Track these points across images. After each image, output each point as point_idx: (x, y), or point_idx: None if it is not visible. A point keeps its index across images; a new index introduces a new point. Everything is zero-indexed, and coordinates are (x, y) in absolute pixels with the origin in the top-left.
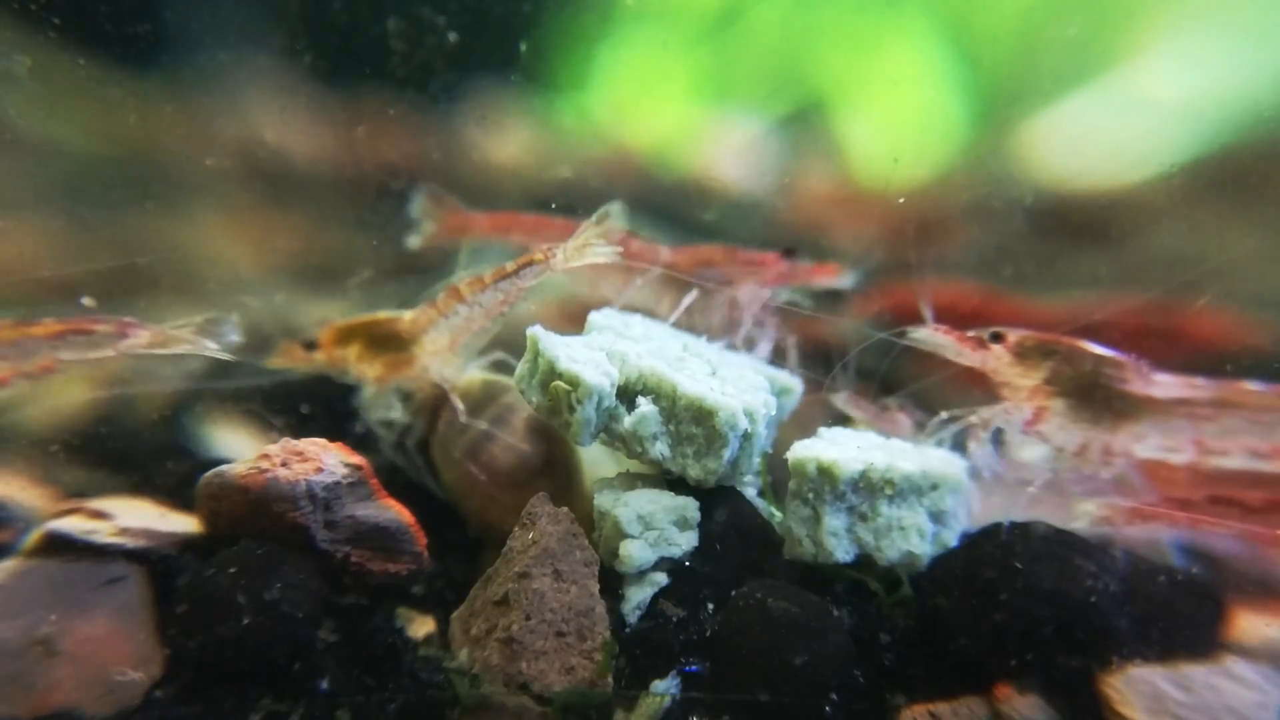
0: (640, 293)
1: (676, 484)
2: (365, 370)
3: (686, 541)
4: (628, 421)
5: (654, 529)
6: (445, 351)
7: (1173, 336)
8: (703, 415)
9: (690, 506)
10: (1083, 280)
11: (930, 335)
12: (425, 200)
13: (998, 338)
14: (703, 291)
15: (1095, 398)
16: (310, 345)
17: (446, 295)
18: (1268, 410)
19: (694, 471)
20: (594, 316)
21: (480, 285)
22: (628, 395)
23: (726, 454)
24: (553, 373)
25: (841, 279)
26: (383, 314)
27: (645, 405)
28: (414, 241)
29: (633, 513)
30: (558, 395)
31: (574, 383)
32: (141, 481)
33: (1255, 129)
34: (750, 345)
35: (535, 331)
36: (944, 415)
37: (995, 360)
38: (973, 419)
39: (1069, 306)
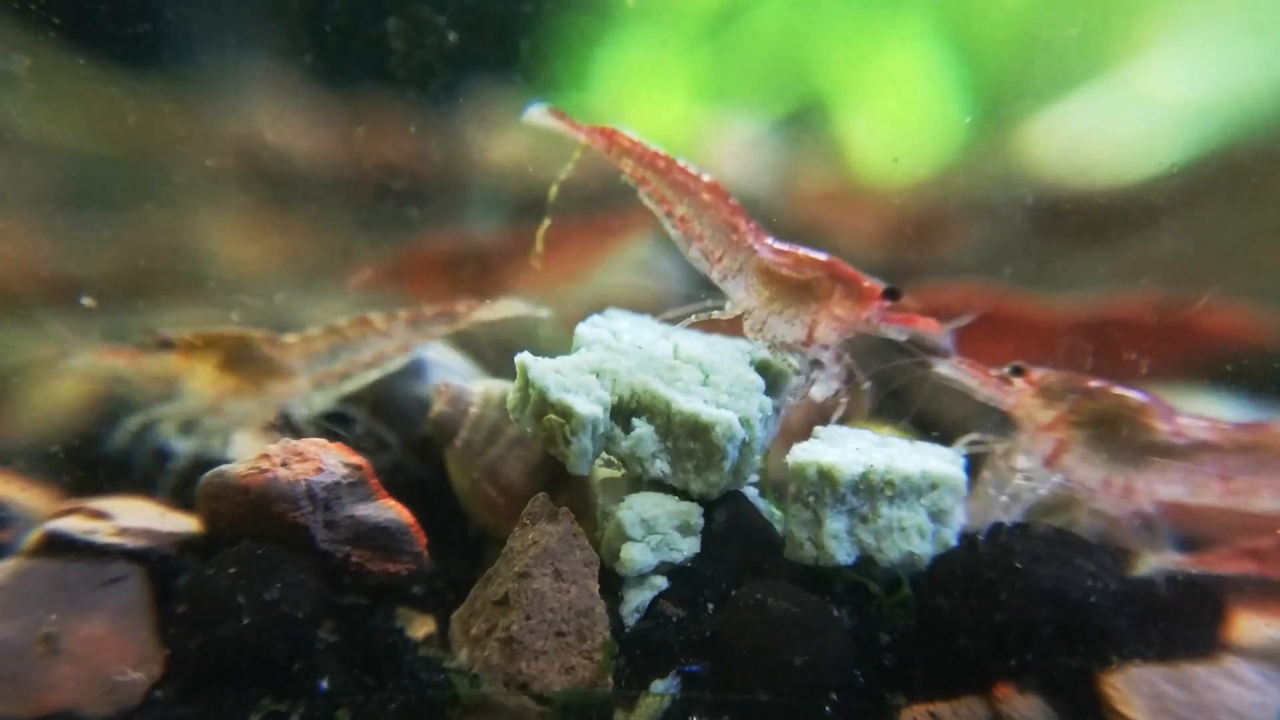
0: (730, 284)
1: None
2: (207, 385)
3: (688, 547)
4: (625, 444)
5: (656, 533)
6: (308, 386)
7: (1179, 333)
8: (699, 430)
9: (694, 512)
10: (1082, 280)
11: (954, 370)
12: (542, 110)
13: (1019, 372)
14: (783, 303)
15: (1117, 435)
16: (166, 344)
17: (355, 323)
18: None
19: (696, 486)
20: (582, 330)
21: (393, 320)
22: (622, 413)
23: (727, 465)
24: (545, 403)
25: (940, 335)
26: (258, 332)
27: (640, 426)
28: (528, 119)
29: (636, 515)
30: (552, 427)
31: (566, 415)
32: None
33: (1255, 129)
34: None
35: (524, 359)
36: (967, 439)
37: (1017, 395)
38: (993, 449)
39: (1075, 304)
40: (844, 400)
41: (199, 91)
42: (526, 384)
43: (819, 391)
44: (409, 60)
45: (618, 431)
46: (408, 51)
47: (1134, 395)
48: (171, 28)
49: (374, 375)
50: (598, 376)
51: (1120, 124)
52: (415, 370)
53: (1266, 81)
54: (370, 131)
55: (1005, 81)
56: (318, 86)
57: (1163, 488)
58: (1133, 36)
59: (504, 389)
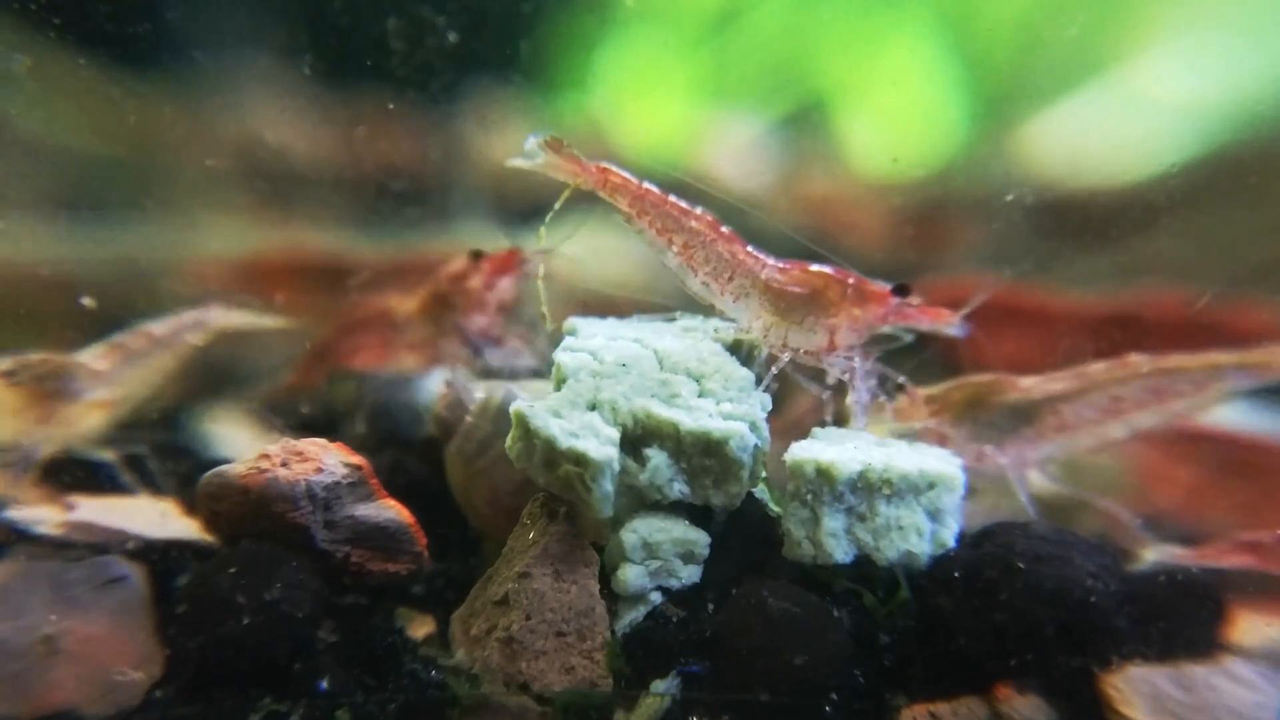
0: (740, 306)
1: (698, 512)
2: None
3: (689, 575)
4: (642, 476)
5: (657, 558)
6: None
7: (1216, 331)
8: (712, 447)
9: (700, 543)
10: (1081, 280)
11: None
12: (542, 139)
13: (901, 389)
14: (800, 314)
15: (982, 411)
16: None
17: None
18: (1156, 373)
19: (718, 500)
20: (563, 359)
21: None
22: (628, 441)
23: (745, 475)
24: (554, 452)
25: (953, 326)
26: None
27: (654, 455)
28: (515, 162)
29: (638, 539)
30: (569, 477)
31: (581, 462)
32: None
33: (1255, 129)
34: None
35: (520, 408)
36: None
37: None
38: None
39: (1094, 300)
40: (887, 400)
41: (199, 91)
42: (527, 433)
43: (862, 397)
44: (409, 60)
45: (630, 463)
46: (408, 51)
47: (983, 376)
48: (172, 27)
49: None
50: (595, 409)
51: (1120, 124)
52: (408, 379)
53: (1266, 81)
54: (370, 131)
55: (1005, 81)
56: (317, 87)
57: (1047, 440)
58: (1133, 36)
59: (502, 398)
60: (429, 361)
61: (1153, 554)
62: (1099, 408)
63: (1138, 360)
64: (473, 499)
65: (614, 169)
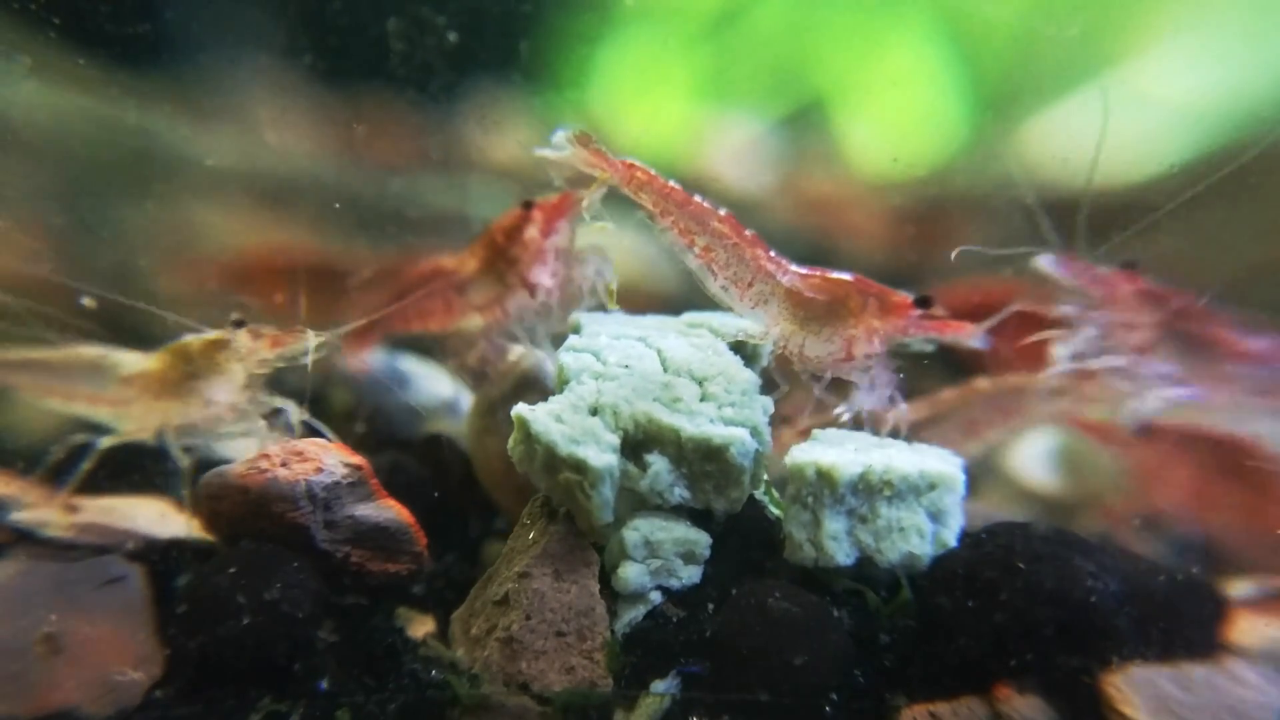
0: (759, 312)
1: (699, 512)
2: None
3: (689, 576)
4: (643, 483)
5: (658, 557)
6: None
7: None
8: (713, 453)
9: (701, 543)
10: None
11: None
12: (571, 133)
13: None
14: (819, 323)
15: None
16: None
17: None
18: (999, 393)
19: (719, 505)
20: (566, 360)
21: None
22: (629, 446)
23: (746, 480)
24: (555, 458)
25: (975, 338)
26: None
27: (655, 462)
28: (542, 152)
29: (640, 537)
30: (569, 484)
31: (581, 469)
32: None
33: (1255, 129)
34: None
35: (522, 412)
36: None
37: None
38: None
39: None
40: (902, 408)
41: (199, 91)
42: (529, 437)
43: (871, 403)
44: (409, 60)
45: (631, 468)
46: (408, 51)
47: None
48: (172, 27)
49: None
50: (597, 414)
51: (1120, 124)
52: (401, 381)
53: (1266, 81)
54: (369, 131)
55: (1005, 81)
56: (317, 86)
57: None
58: (1133, 36)
59: (522, 372)
60: (497, 319)
61: (1244, 585)
62: (958, 429)
63: (981, 383)
64: (482, 455)
65: (640, 166)
